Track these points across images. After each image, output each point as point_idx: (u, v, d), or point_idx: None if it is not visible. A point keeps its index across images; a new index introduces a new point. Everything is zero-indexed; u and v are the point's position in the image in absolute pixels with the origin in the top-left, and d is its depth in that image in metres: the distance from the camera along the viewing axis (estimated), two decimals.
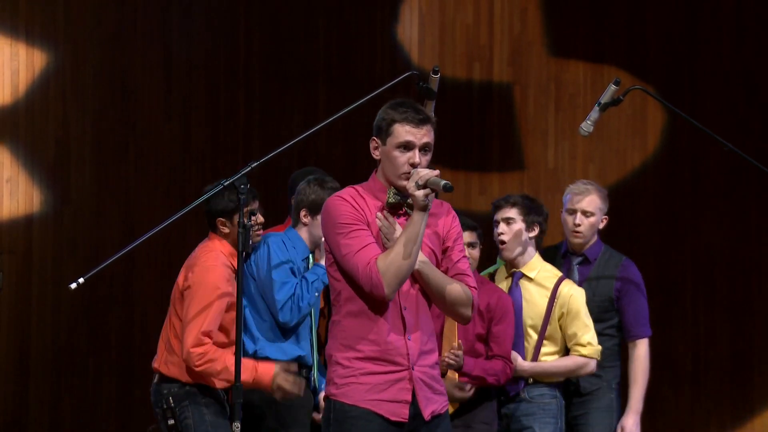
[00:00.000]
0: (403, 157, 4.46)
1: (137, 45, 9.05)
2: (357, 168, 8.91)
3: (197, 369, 5.63)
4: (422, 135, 4.49)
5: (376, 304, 4.40)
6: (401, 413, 4.42)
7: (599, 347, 5.93)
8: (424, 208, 4.36)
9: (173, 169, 9.05)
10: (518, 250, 5.97)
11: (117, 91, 9.01)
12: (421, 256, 4.43)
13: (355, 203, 4.46)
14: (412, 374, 4.43)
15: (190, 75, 9.15)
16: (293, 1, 9.34)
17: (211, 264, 5.74)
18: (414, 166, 4.44)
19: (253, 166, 5.04)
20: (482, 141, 9.48)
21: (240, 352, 4.96)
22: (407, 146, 4.47)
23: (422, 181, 4.35)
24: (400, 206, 4.50)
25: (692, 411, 9.26)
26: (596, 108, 5.95)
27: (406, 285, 4.44)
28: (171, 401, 5.72)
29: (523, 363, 5.86)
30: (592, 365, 5.93)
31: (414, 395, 4.44)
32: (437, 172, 4.39)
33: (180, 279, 5.84)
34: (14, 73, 8.82)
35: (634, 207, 9.35)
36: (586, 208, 6.16)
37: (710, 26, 9.42)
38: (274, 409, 5.85)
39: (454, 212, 4.66)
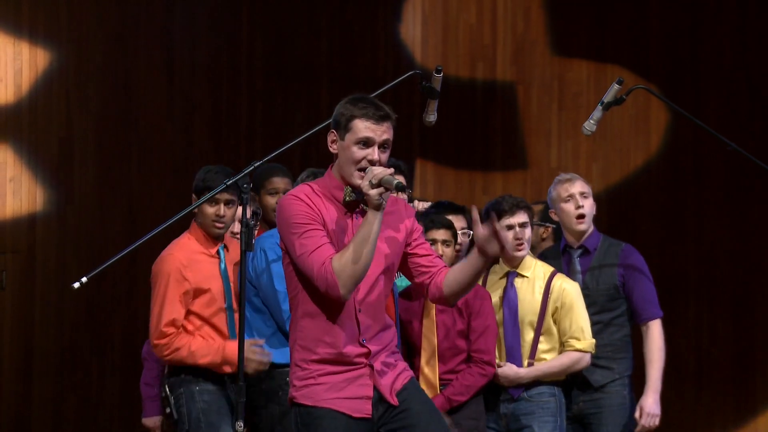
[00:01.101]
0: (361, 153, 4.40)
1: (140, 44, 9.06)
2: None
3: (165, 359, 5.71)
4: (382, 132, 4.42)
5: (332, 305, 4.37)
6: (364, 409, 4.39)
7: (593, 341, 5.93)
8: (378, 207, 4.30)
9: (176, 168, 9.06)
10: (528, 251, 6.02)
11: (120, 90, 9.02)
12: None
13: (310, 202, 4.41)
14: (372, 370, 4.42)
15: (193, 74, 9.16)
16: (296, 1, 9.35)
17: (166, 253, 5.80)
18: (372, 163, 4.39)
19: (255, 165, 5.04)
20: (485, 140, 9.49)
21: (243, 351, 4.96)
22: (366, 143, 4.41)
23: (376, 180, 4.29)
24: (357, 204, 4.46)
25: (695, 410, 9.26)
26: (599, 107, 5.95)
27: (362, 286, 4.40)
28: (167, 390, 5.77)
29: (519, 370, 5.86)
30: (586, 359, 5.94)
31: (375, 388, 4.41)
32: (391, 170, 4.33)
33: None
34: (17, 72, 8.83)
35: (637, 206, 9.35)
36: (582, 189, 6.16)
37: (713, 25, 9.42)
38: (279, 411, 5.83)
39: (411, 208, 4.64)
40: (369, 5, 9.42)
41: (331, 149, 4.50)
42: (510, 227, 5.93)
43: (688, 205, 9.35)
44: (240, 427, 4.89)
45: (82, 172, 8.92)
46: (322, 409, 4.38)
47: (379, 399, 4.42)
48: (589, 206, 6.17)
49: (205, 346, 5.66)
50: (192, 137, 9.14)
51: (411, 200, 6.13)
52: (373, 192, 4.29)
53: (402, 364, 4.54)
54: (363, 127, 4.42)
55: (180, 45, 9.14)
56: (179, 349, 5.65)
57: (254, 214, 5.74)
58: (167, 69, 9.11)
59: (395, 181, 4.27)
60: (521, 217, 5.94)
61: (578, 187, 6.16)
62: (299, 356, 4.45)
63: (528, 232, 5.97)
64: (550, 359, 5.92)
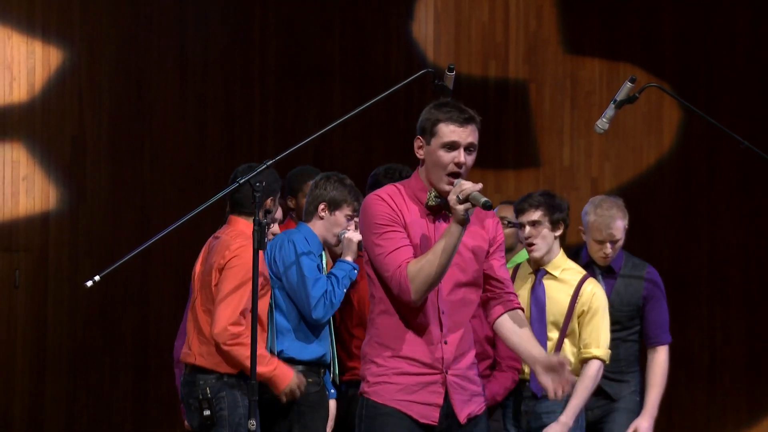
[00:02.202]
0: (447, 157, 4.41)
1: (153, 43, 9.07)
2: (372, 166, 8.89)
3: (225, 347, 5.55)
4: (467, 134, 4.43)
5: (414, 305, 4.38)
6: (431, 416, 4.40)
7: (609, 351, 5.93)
8: (463, 222, 4.29)
9: (188, 167, 9.07)
10: (546, 249, 5.96)
11: (132, 89, 9.03)
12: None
13: (393, 202, 4.42)
14: (446, 378, 4.41)
15: (206, 73, 9.16)
16: (308, 0, 9.35)
17: (249, 244, 5.52)
18: (459, 165, 4.39)
19: (268, 164, 5.04)
20: (498, 139, 9.48)
21: (255, 347, 4.95)
22: (452, 146, 4.41)
23: (463, 195, 4.27)
24: (440, 209, 4.46)
25: (708, 409, 9.24)
26: (612, 105, 5.91)
27: (447, 289, 4.41)
28: (208, 392, 5.64)
29: (561, 419, 5.83)
30: (602, 367, 5.93)
31: (447, 398, 4.41)
32: (480, 186, 4.31)
33: (213, 263, 5.70)
34: (30, 71, 8.84)
35: (649, 205, 9.33)
36: (615, 237, 6.11)
37: (725, 23, 9.39)
38: (297, 411, 5.83)
39: (498, 219, 4.62)
40: (381, 4, 9.42)
41: (417, 155, 4.50)
42: (521, 225, 5.92)
43: (700, 204, 9.33)
44: (252, 425, 4.89)
45: (95, 171, 8.93)
46: (390, 408, 4.39)
47: (448, 412, 4.42)
48: (616, 250, 6.13)
49: (267, 356, 5.59)
50: (204, 136, 9.15)
51: None
52: (460, 207, 4.27)
53: (480, 385, 4.54)
54: (448, 131, 4.42)
55: (192, 43, 9.15)
56: (245, 345, 5.49)
57: (266, 212, 5.74)
58: (180, 67, 9.12)
59: (483, 200, 4.25)
60: (529, 216, 5.90)
61: (614, 233, 6.06)
62: (375, 352, 4.44)
63: (541, 231, 5.92)
64: (577, 385, 5.88)
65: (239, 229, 5.76)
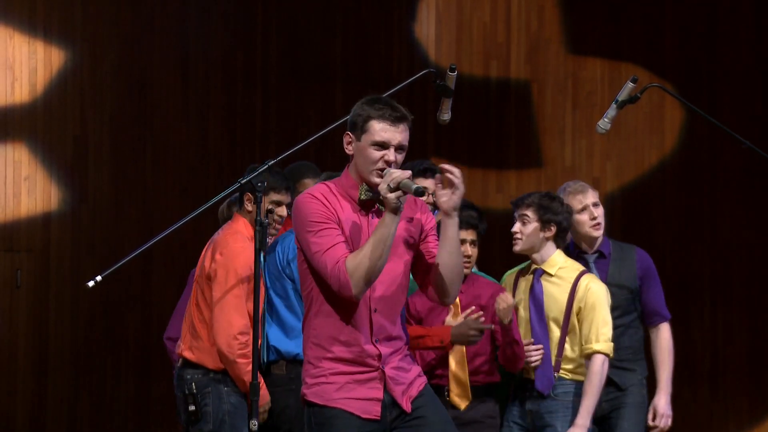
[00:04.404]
0: (377, 155, 4.41)
1: (155, 44, 9.07)
2: None
3: (233, 357, 5.55)
4: (398, 133, 4.43)
5: (347, 304, 4.37)
6: (373, 411, 4.39)
7: (611, 344, 5.92)
8: (396, 211, 4.29)
9: (190, 167, 9.07)
10: (530, 247, 5.96)
11: (134, 89, 9.03)
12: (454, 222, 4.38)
13: (326, 201, 4.42)
14: (384, 373, 4.41)
15: (208, 74, 9.16)
16: (310, 0, 9.35)
17: (241, 247, 5.63)
18: (389, 164, 4.39)
19: (269, 164, 5.04)
20: (499, 139, 9.48)
21: (257, 347, 4.96)
22: (383, 145, 4.41)
23: (394, 183, 4.28)
24: (372, 203, 4.46)
25: (710, 409, 9.24)
26: (613, 105, 5.92)
27: (382, 284, 4.40)
28: (194, 387, 5.67)
29: (578, 422, 5.80)
30: (607, 362, 5.92)
31: (386, 391, 4.40)
32: (409, 173, 4.32)
33: (206, 261, 5.72)
34: (32, 71, 8.85)
35: (651, 205, 9.33)
36: (594, 200, 6.17)
37: (728, 23, 9.39)
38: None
39: (425, 204, 4.61)
40: (383, 4, 9.42)
41: (346, 150, 4.51)
42: (514, 219, 5.93)
43: (702, 204, 9.33)
44: (254, 426, 4.89)
45: (97, 171, 8.93)
46: (334, 409, 4.38)
47: (392, 403, 4.42)
48: (602, 215, 6.18)
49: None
50: (206, 136, 9.15)
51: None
52: (391, 195, 4.28)
53: (416, 369, 4.53)
54: (379, 129, 4.42)
55: (194, 44, 9.15)
56: (249, 359, 5.45)
57: (268, 212, 5.73)
58: (182, 68, 9.12)
59: (414, 186, 4.26)
60: (520, 211, 5.90)
61: (591, 197, 6.14)
62: (312, 354, 4.44)
63: (529, 227, 5.90)
64: (585, 384, 5.86)
65: (235, 228, 5.76)
